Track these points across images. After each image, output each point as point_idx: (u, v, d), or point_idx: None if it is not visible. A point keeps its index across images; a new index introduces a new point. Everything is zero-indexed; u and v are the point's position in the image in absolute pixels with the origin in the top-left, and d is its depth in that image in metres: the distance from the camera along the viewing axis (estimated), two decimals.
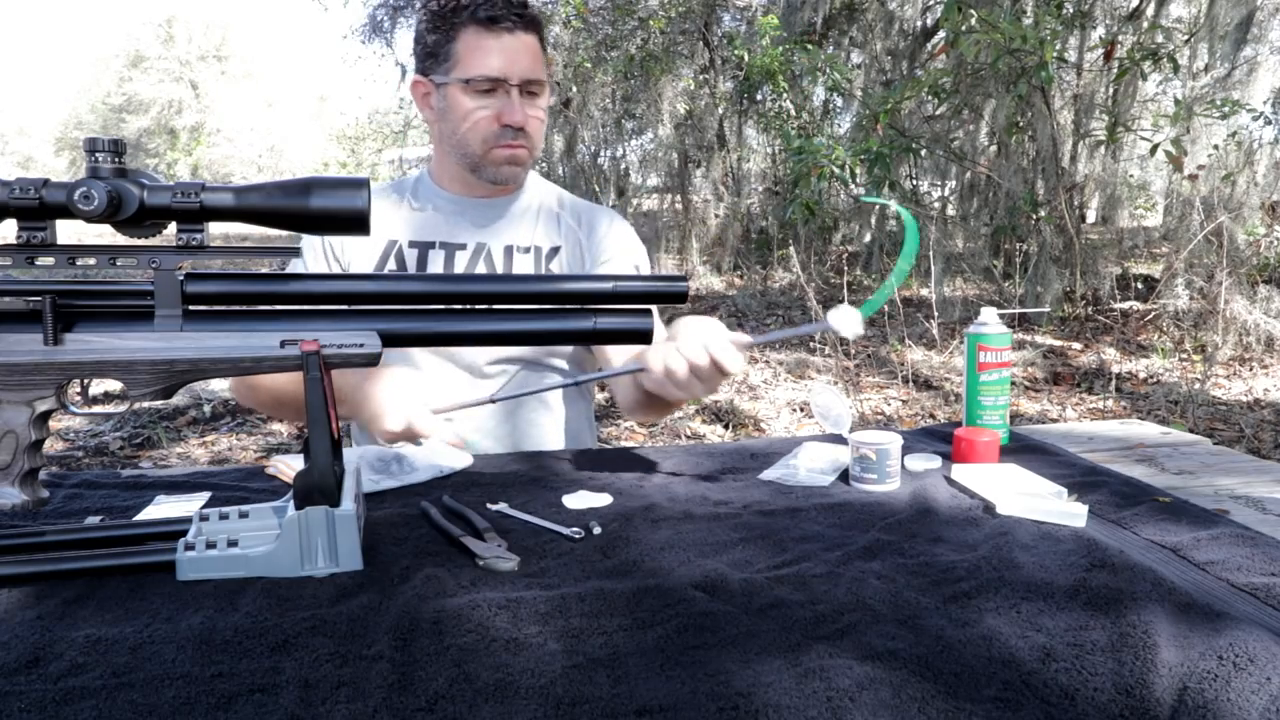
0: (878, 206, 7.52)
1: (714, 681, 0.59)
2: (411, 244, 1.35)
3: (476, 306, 0.85)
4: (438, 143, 1.36)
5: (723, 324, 1.02)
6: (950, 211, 7.08)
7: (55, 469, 1.56)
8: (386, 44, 9.94)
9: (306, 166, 25.75)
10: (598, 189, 8.14)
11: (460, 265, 1.33)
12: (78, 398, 0.82)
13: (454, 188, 1.38)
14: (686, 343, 0.97)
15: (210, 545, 0.77)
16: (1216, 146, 5.31)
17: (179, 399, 4.10)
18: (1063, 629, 0.66)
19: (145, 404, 3.99)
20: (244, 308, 0.80)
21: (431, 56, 1.30)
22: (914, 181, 7.38)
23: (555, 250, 1.36)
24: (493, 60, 1.26)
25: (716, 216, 8.11)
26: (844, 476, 1.07)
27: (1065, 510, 0.91)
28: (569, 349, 1.37)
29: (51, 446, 3.55)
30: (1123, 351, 5.10)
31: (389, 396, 1.08)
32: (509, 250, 1.35)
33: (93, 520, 0.89)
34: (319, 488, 0.77)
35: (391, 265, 1.34)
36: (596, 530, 0.88)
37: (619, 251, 1.39)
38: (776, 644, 0.63)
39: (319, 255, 1.37)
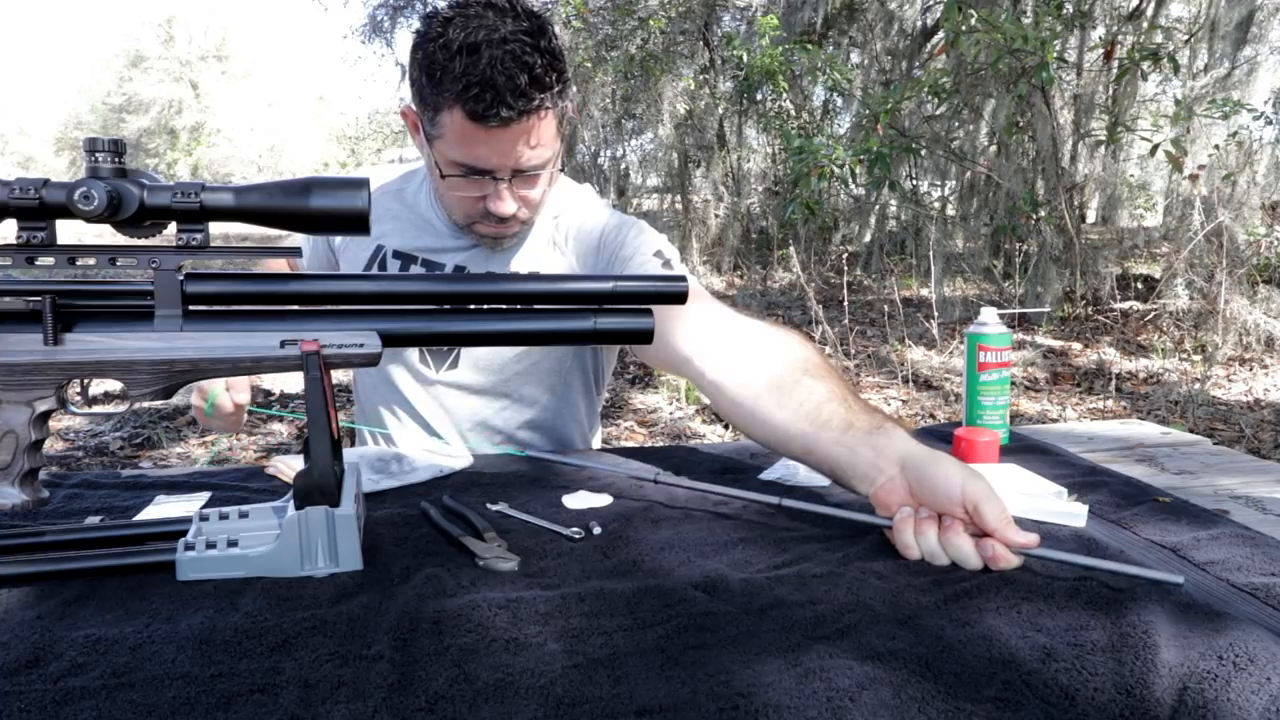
0: (877, 206, 7.52)
1: (714, 681, 0.59)
2: (396, 254, 1.33)
3: (476, 306, 0.85)
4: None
5: (995, 491, 0.80)
6: (950, 211, 7.09)
7: (55, 469, 1.56)
8: (386, 44, 9.96)
9: (306, 166, 25.70)
10: (598, 189, 8.12)
11: None
12: (78, 398, 0.82)
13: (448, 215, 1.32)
14: (958, 540, 0.78)
15: (210, 545, 0.77)
16: (1217, 146, 5.31)
17: (179, 399, 4.10)
18: (1063, 629, 0.66)
19: (145, 404, 3.99)
20: (244, 308, 0.80)
21: (421, 99, 1.12)
22: (914, 181, 7.38)
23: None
24: (479, 151, 1.10)
25: (716, 216, 8.11)
26: None
27: (1065, 510, 0.91)
28: (567, 349, 1.37)
29: (51, 446, 3.55)
30: (1123, 351, 5.10)
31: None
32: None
33: (93, 520, 0.89)
34: (319, 488, 0.77)
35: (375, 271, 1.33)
36: (596, 530, 0.88)
37: (641, 245, 1.26)
38: (776, 644, 0.63)
39: (316, 240, 1.41)
